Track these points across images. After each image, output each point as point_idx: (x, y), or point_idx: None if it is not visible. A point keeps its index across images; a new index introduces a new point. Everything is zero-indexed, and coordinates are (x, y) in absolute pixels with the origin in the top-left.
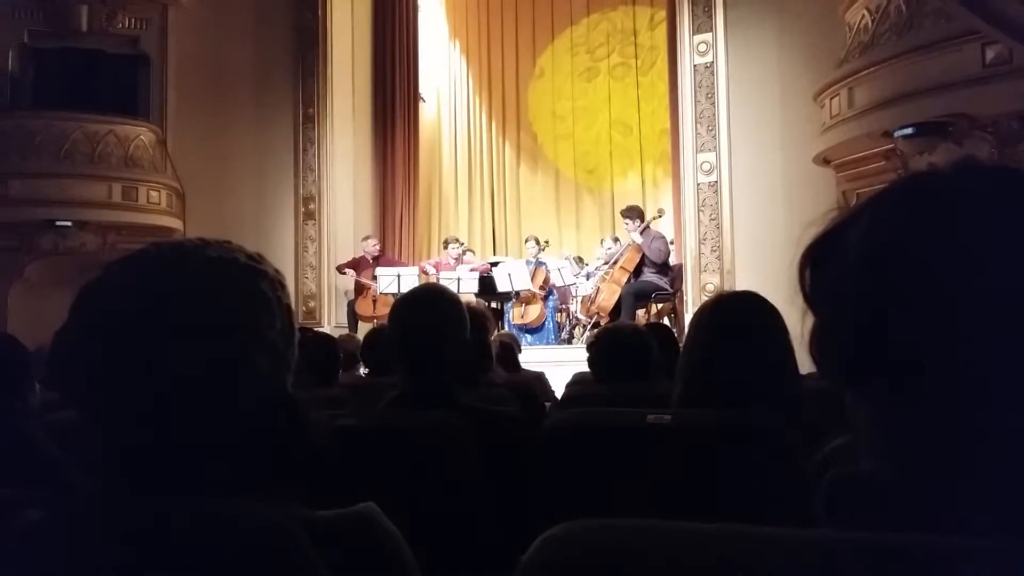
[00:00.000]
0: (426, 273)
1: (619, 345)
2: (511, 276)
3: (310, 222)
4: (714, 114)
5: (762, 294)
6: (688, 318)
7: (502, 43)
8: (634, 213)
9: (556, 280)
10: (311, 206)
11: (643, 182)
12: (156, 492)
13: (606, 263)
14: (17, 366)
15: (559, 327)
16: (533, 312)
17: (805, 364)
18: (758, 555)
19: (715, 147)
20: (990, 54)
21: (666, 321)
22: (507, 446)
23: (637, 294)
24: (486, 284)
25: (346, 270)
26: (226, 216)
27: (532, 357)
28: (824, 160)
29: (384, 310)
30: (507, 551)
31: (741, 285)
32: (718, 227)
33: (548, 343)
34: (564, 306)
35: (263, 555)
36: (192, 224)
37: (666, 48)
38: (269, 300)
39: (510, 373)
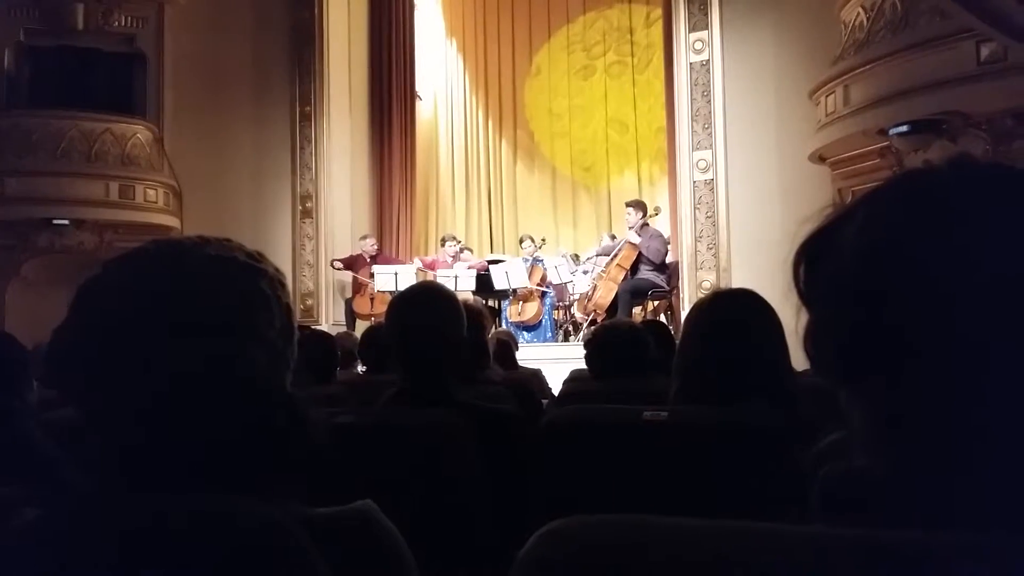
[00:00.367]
0: (421, 270)
1: (616, 342)
2: (508, 274)
3: (307, 220)
4: (710, 112)
5: (758, 291)
6: (684, 315)
7: (498, 41)
8: (637, 205)
9: (553, 278)
10: (308, 204)
11: (639, 180)
12: (154, 490)
13: (600, 255)
14: (15, 364)
15: (556, 324)
16: (530, 309)
17: (800, 360)
18: (754, 551)
19: (711, 145)
20: (985, 52)
21: (662, 318)
22: (504, 443)
23: (633, 291)
24: (483, 282)
25: (338, 264)
26: (223, 214)
27: (529, 354)
28: (820, 158)
29: (382, 308)
30: (504, 547)
31: (737, 282)
32: (714, 224)
33: (545, 340)
34: (561, 303)
35: (262, 553)
36: (189, 222)
37: (662, 46)
38: (268, 299)
39: (507, 370)
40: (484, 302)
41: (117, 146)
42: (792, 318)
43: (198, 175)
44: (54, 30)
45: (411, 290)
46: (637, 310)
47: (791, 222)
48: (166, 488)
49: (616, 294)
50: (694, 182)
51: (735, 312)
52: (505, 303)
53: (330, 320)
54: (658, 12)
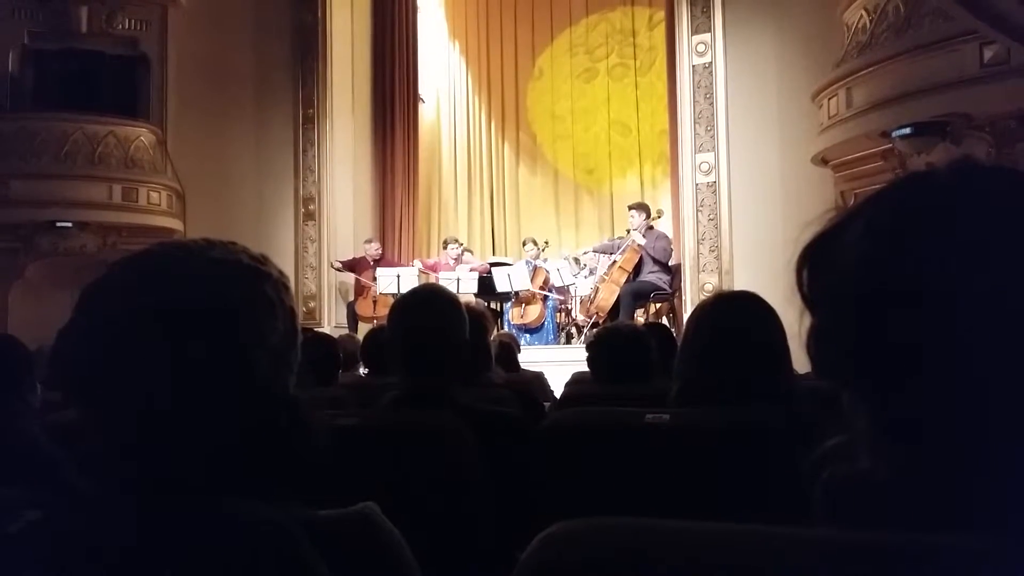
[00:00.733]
0: (421, 271)
1: (618, 345)
2: (510, 276)
3: (310, 223)
4: (712, 114)
5: (760, 294)
6: (686, 318)
7: (501, 44)
8: (641, 207)
9: (555, 280)
10: (311, 207)
11: (642, 182)
12: (156, 492)
13: (597, 251)
14: (18, 366)
15: (558, 327)
16: (532, 312)
17: (802, 363)
18: (757, 554)
19: (714, 147)
20: (988, 54)
21: (664, 321)
22: (506, 446)
23: (635, 294)
24: (485, 284)
25: (338, 265)
26: (226, 217)
27: (531, 357)
28: (822, 160)
29: (384, 310)
30: (506, 551)
31: (739, 285)
32: (716, 227)
33: (547, 343)
34: (563, 306)
35: (263, 555)
36: (192, 225)
37: (665, 49)
38: (272, 302)
39: (509, 373)
40: (486, 304)
41: (120, 149)
42: (795, 320)
43: (201, 178)
44: (58, 33)
45: (413, 293)
46: (639, 313)
47: (793, 224)
48: (168, 490)
49: (618, 297)
50: (696, 184)
51: (737, 314)
52: (507, 306)
53: (332, 322)
54: (661, 15)
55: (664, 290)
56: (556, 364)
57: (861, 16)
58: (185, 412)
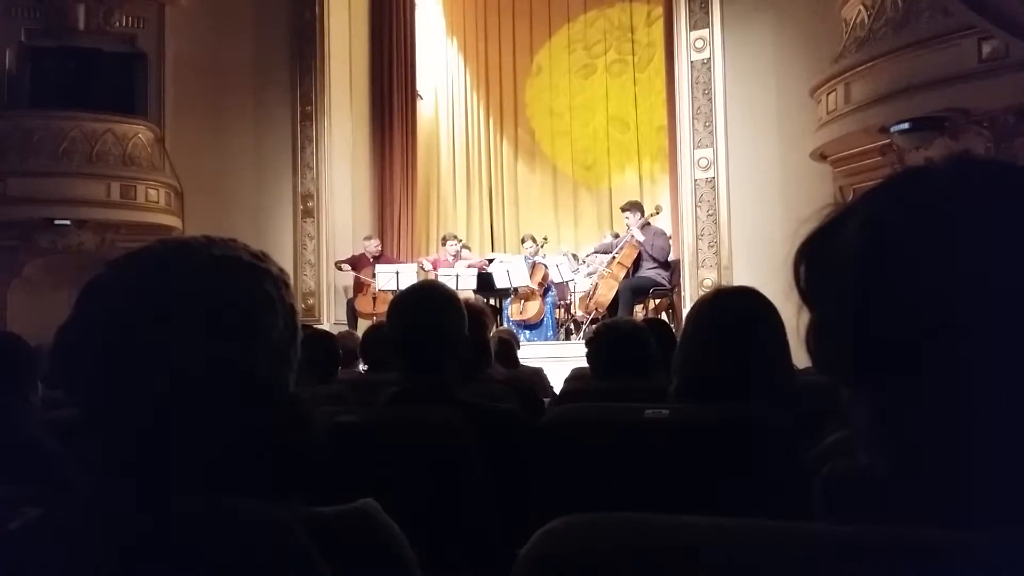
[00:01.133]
0: (423, 269)
1: (617, 340)
2: (509, 273)
3: (308, 220)
4: (711, 110)
5: (759, 289)
6: (686, 313)
7: (499, 40)
8: (634, 206)
9: (554, 276)
10: (309, 204)
11: (640, 178)
12: (156, 490)
13: (599, 252)
14: (20, 363)
15: (558, 323)
16: (532, 308)
17: (801, 358)
18: (756, 549)
19: (712, 143)
20: (986, 49)
21: (664, 316)
22: (506, 442)
23: (635, 290)
24: (484, 281)
25: (344, 266)
26: (225, 214)
27: (531, 353)
28: (821, 155)
29: (383, 307)
30: (506, 546)
31: (738, 280)
32: (715, 223)
33: (547, 339)
34: (562, 302)
35: (264, 553)
36: (191, 222)
37: (663, 44)
38: (272, 299)
39: (509, 369)
40: (485, 301)
41: (118, 146)
42: (793, 316)
43: (199, 175)
44: (55, 31)
45: (412, 289)
46: (638, 308)
47: (792, 220)
48: (168, 488)
49: (617, 292)
50: (695, 180)
51: (736, 310)
52: (506, 302)
53: (331, 319)
54: (659, 10)
55: (663, 286)
56: (555, 360)
57: (859, 11)
58: (185, 409)
